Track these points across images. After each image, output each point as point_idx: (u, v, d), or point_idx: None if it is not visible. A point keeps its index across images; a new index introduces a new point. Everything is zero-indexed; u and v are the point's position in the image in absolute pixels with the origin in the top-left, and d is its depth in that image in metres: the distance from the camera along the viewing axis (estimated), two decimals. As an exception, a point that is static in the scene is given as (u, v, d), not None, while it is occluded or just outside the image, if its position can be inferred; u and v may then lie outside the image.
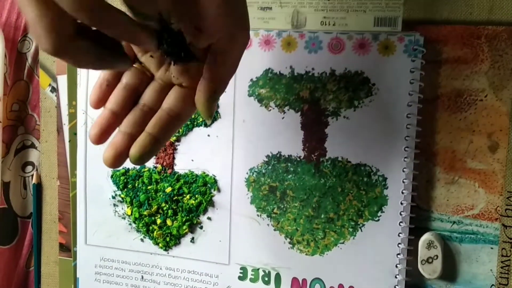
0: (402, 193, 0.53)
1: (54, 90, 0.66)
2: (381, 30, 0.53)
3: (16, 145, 0.69)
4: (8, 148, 0.69)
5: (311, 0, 0.55)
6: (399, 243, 0.53)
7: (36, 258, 0.68)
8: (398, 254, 0.53)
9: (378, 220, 0.54)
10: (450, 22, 0.52)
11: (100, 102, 0.42)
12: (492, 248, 0.53)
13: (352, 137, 0.54)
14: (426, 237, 0.54)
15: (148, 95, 0.41)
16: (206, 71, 0.39)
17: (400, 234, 0.53)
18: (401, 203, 0.53)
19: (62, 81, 0.64)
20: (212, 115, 0.40)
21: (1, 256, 0.69)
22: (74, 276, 0.65)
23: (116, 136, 0.40)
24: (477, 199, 0.53)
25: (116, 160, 0.39)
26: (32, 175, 0.69)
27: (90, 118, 0.62)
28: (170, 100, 0.40)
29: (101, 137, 0.41)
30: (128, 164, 0.61)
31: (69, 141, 0.64)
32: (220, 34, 0.37)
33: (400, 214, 0.53)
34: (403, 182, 0.53)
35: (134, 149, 0.39)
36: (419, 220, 0.54)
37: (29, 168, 0.70)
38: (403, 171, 0.53)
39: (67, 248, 0.66)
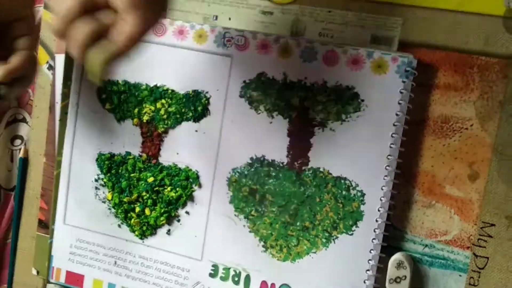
0: (379, 210, 0.55)
1: (51, 68, 0.67)
2: (377, 47, 0.55)
3: (7, 118, 0.71)
4: (-1, 120, 0.71)
5: (312, 10, 0.57)
6: (369, 259, 0.55)
7: (15, 231, 0.70)
8: (368, 270, 0.55)
9: (352, 234, 0.56)
10: (446, 48, 0.54)
11: None
12: (460, 275, 0.54)
13: (336, 149, 0.56)
14: (397, 256, 0.55)
15: None
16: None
17: (371, 251, 0.55)
18: (376, 220, 0.55)
19: (60, 60, 0.66)
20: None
21: (-21, 225, 0.71)
22: (49, 253, 0.67)
23: None
24: (451, 226, 0.55)
25: None
26: (20, 149, 0.70)
27: (82, 100, 0.64)
28: None
29: None
30: (115, 149, 0.63)
31: (60, 120, 0.66)
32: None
33: (374, 231, 0.55)
34: (381, 199, 0.54)
35: None
36: (392, 239, 0.55)
37: (18, 141, 0.72)
38: (382, 189, 0.54)
39: (46, 225, 0.68)
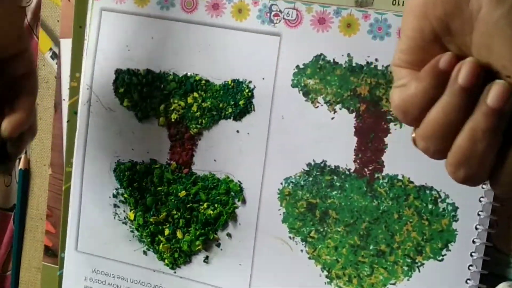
0: (476, 228, 0.55)
1: (55, 56, 0.70)
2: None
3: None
4: (-6, 123, 0.73)
5: (383, -28, 0.57)
6: (465, 292, 0.55)
7: (15, 261, 0.72)
8: (464, 306, 0.55)
9: (442, 260, 0.56)
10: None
11: None
12: None
13: (419, 151, 0.55)
14: (502, 287, 0.55)
15: None
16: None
17: (468, 281, 0.55)
18: (474, 242, 0.55)
19: (66, 46, 0.68)
20: None
21: (-26, 254, 0.73)
22: (58, 287, 0.69)
23: None
24: None
25: None
26: (20, 159, 0.72)
27: (95, 96, 0.66)
28: None
29: None
30: (137, 157, 0.65)
31: (68, 121, 0.68)
32: None
33: (471, 256, 0.55)
34: (479, 214, 0.54)
35: None
36: (494, 265, 0.55)
37: (17, 149, 0.74)
38: (480, 200, 0.54)
39: (54, 253, 0.70)
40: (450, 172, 0.38)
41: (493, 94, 0.34)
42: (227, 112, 0.62)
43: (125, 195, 0.66)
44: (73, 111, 0.67)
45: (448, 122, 0.36)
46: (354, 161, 0.58)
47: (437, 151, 0.38)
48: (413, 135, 0.39)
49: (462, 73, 0.34)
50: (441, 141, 0.37)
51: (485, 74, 0.35)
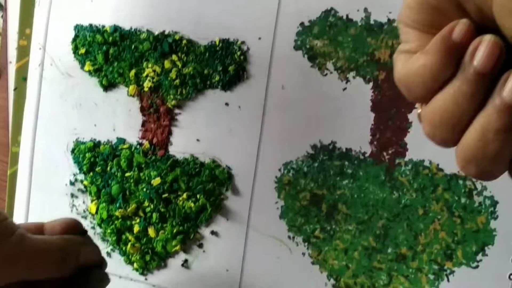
0: (520, 228, 0.56)
1: (0, 8, 0.71)
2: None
3: None
4: None
5: None
6: (505, 307, 0.57)
7: None
8: (503, 324, 0.57)
9: (477, 267, 0.57)
10: None
11: None
12: None
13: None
14: (550, 302, 0.56)
15: None
16: None
17: (508, 293, 0.57)
18: (516, 245, 0.56)
19: (14, -5, 0.69)
20: None
21: None
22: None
23: None
24: None
25: None
26: (-46, 136, 0.74)
27: (49, 58, 0.67)
28: None
29: None
30: (100, 135, 0.66)
31: (15, 89, 0.70)
32: None
33: (513, 262, 0.57)
34: (523, 211, 0.56)
35: None
36: (541, 275, 0.57)
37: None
38: (525, 194, 0.56)
39: (-4, 254, 0.72)
40: (459, 166, 0.37)
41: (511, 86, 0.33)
42: (213, 80, 0.62)
43: (85, 183, 0.67)
44: (21, 77, 0.68)
45: (459, 112, 0.35)
46: (371, 143, 0.59)
47: (444, 140, 0.37)
48: (419, 111, 0.39)
49: (480, 53, 0.33)
50: (450, 131, 0.36)
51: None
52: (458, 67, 0.35)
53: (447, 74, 0.35)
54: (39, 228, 0.52)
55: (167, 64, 0.64)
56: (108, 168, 0.66)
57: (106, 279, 0.54)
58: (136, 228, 0.66)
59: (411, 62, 0.37)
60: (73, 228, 0.54)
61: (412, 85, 0.37)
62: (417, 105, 0.39)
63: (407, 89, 0.38)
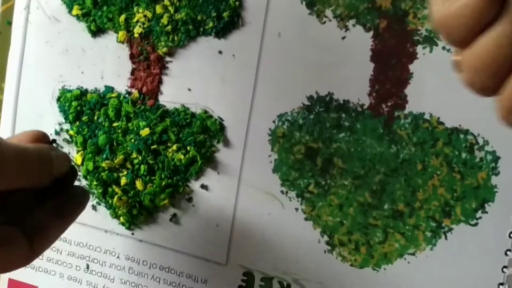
0: (522, 185, 0.55)
1: None
2: None
3: None
4: None
5: None
6: (504, 267, 0.55)
7: None
8: (501, 284, 0.56)
9: (476, 224, 0.56)
10: None
11: None
12: None
13: (452, 82, 0.56)
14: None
15: None
16: None
17: (508, 252, 0.55)
18: (518, 202, 0.55)
19: None
20: None
21: None
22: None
23: None
24: None
25: None
26: None
27: (35, 1, 0.65)
28: None
29: None
30: (87, 83, 0.65)
31: (-1, 34, 0.68)
32: None
33: (514, 220, 0.56)
34: (526, 167, 0.55)
35: None
36: (542, 233, 0.56)
37: None
38: (529, 149, 0.55)
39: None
40: (501, 116, 0.36)
41: None
42: (207, 27, 0.61)
43: (71, 132, 0.66)
44: (6, 21, 0.67)
45: (502, 56, 0.33)
46: (369, 95, 0.58)
47: (485, 88, 0.36)
48: (456, 58, 0.37)
49: None
50: (491, 77, 0.35)
51: None
52: (503, 7, 0.32)
53: (491, 15, 0.33)
54: None
55: (158, 9, 0.62)
56: (95, 118, 0.65)
57: (84, 194, 0.55)
58: (123, 181, 0.64)
59: (451, 1, 0.34)
60: (42, 139, 0.54)
61: (452, 27, 0.34)
62: (452, 51, 0.37)
63: (447, 31, 0.35)
